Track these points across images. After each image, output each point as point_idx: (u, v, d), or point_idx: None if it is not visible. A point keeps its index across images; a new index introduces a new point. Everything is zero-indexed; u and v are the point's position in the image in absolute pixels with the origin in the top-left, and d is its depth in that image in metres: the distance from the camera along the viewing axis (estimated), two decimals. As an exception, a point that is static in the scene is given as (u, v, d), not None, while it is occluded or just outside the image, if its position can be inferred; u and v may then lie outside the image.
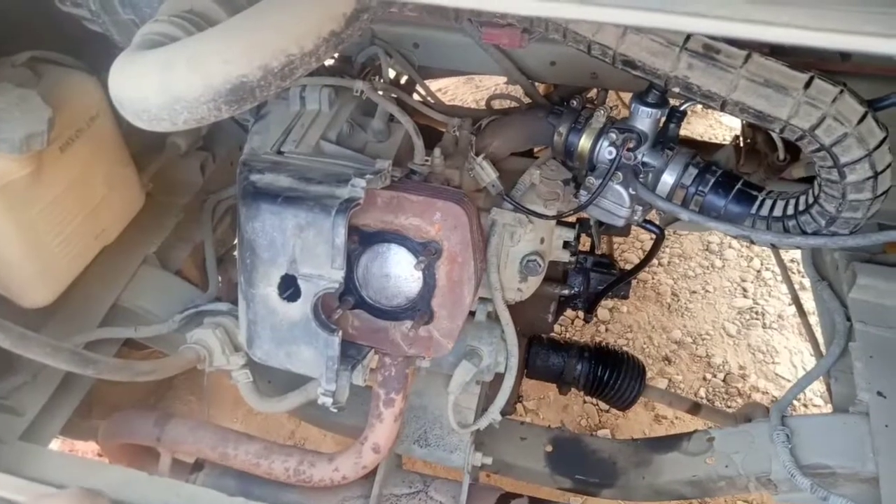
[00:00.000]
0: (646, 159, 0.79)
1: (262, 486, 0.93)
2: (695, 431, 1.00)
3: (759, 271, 2.04)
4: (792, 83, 0.59)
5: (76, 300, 0.89)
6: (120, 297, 0.95)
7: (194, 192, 1.09)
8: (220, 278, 1.05)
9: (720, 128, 2.51)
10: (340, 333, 0.73)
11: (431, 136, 0.93)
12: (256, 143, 0.84)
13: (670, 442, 1.03)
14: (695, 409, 1.29)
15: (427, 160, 0.85)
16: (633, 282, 1.79)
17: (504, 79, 1.05)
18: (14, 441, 0.80)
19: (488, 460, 0.99)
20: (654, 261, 2.07)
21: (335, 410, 0.78)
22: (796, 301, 1.25)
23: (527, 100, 1.07)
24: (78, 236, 0.79)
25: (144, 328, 0.92)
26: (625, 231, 1.13)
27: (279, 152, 0.79)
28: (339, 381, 0.75)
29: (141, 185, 0.92)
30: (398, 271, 0.80)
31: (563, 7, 0.40)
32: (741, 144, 1.14)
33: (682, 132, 0.83)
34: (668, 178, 0.78)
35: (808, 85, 0.58)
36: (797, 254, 1.72)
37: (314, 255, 0.69)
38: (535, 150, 1.02)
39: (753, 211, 0.72)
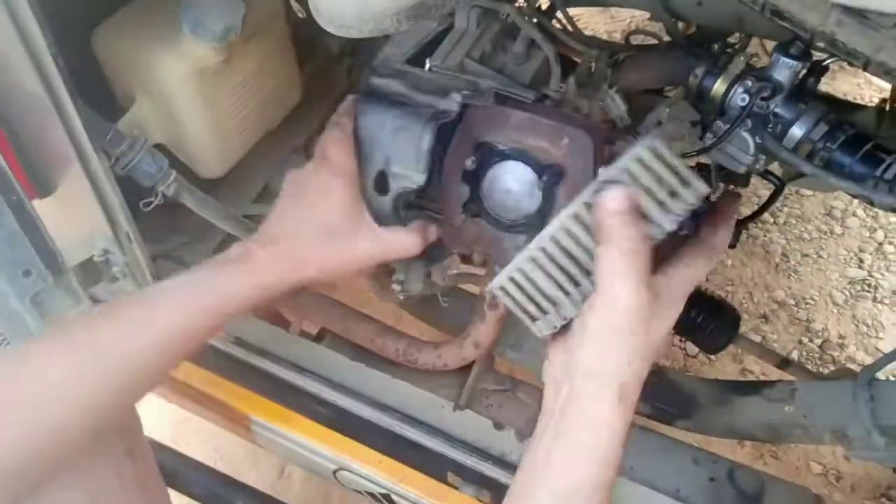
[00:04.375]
0: (778, 110, 0.80)
1: (373, 360, 1.06)
2: (779, 381, 1.04)
3: (880, 244, 1.95)
4: (943, 49, 0.60)
5: (237, 177, 1.02)
6: (271, 180, 1.08)
7: (340, 92, 1.19)
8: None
9: (868, 88, 2.35)
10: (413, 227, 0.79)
11: (566, 65, 0.97)
12: (390, 52, 0.91)
13: (752, 387, 1.07)
14: (783, 364, 1.31)
15: (562, 87, 0.90)
16: (743, 234, 1.77)
17: (640, 13, 1.06)
18: (182, 287, 0.96)
19: (575, 375, 1.07)
20: (770, 218, 2.03)
21: (402, 298, 0.86)
22: (913, 276, 1.23)
23: (666, 38, 1.08)
24: (249, 121, 0.92)
25: (290, 209, 1.05)
26: (744, 181, 1.14)
27: (412, 63, 0.85)
28: (409, 272, 0.84)
29: (299, 83, 1.03)
30: (520, 188, 0.87)
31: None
32: (886, 108, 1.10)
33: (826, 89, 0.83)
34: (796, 131, 0.79)
35: (959, 53, 0.59)
36: (926, 230, 1.65)
37: (405, 156, 0.74)
38: (666, 90, 1.04)
39: (878, 173, 0.73)
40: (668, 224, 0.55)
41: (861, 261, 1.93)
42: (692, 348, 1.79)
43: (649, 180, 0.56)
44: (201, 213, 0.84)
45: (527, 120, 0.84)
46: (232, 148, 0.93)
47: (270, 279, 0.65)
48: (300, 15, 1.08)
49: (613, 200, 0.53)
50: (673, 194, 0.56)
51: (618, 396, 0.51)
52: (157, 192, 0.80)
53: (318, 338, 1.09)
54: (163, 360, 0.62)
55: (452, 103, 0.74)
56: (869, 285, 1.87)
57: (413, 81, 0.77)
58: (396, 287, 0.86)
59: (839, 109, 0.88)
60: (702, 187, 0.56)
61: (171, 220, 0.97)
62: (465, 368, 1.02)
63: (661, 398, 1.13)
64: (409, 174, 0.75)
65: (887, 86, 1.16)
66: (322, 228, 0.67)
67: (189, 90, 0.82)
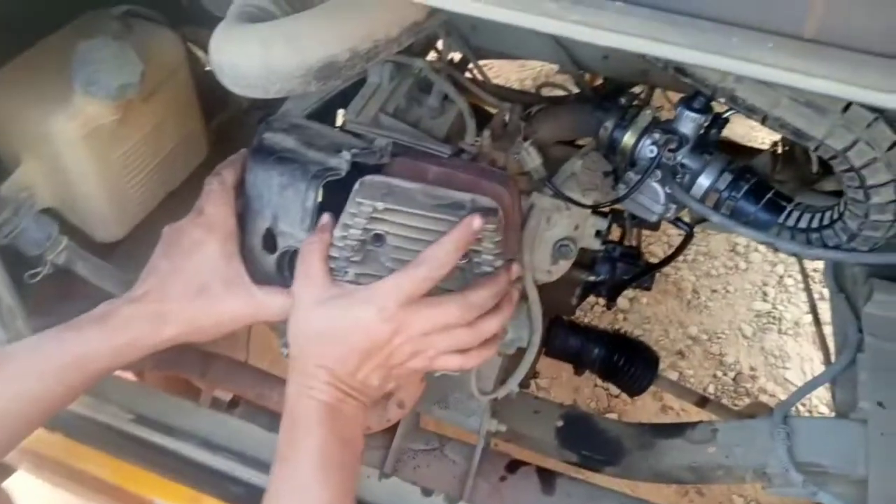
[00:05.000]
0: (685, 161, 0.83)
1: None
2: (700, 422, 1.06)
3: (781, 277, 2.06)
4: (831, 105, 0.63)
5: (137, 240, 0.96)
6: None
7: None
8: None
9: (761, 130, 2.51)
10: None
11: (480, 117, 0.98)
12: (290, 106, 0.89)
13: (675, 429, 1.08)
14: (702, 402, 1.34)
15: (477, 140, 0.90)
16: (657, 275, 1.84)
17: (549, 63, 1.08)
18: (77, 361, 0.88)
19: (502, 428, 1.05)
20: (680, 257, 2.11)
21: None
22: (814, 310, 1.29)
23: (575, 90, 1.11)
24: (149, 181, 0.86)
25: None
26: (655, 226, 1.17)
27: (314, 118, 0.82)
28: None
29: (206, 138, 0.98)
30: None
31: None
32: (779, 151, 1.17)
33: (724, 133, 0.87)
34: (703, 181, 0.82)
35: (846, 109, 0.62)
36: (820, 264, 1.75)
37: (291, 214, 0.72)
38: (580, 141, 1.06)
39: (781, 220, 0.76)
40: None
41: (765, 294, 2.03)
42: (615, 388, 1.81)
43: None
44: (97, 281, 0.78)
45: (444, 174, 0.83)
46: (131, 210, 0.87)
47: (128, 338, 0.64)
48: (207, 67, 1.04)
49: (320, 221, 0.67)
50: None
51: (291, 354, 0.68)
52: (46, 261, 0.73)
53: (232, 405, 1.03)
54: (16, 425, 0.61)
55: (342, 161, 0.72)
56: (774, 317, 1.97)
57: (306, 137, 0.74)
58: (284, 351, 0.81)
59: (738, 154, 0.92)
60: None
61: (64, 287, 0.89)
62: (390, 430, 0.99)
63: (589, 446, 1.12)
64: (295, 232, 0.72)
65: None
66: (190, 285, 0.66)
67: (81, 151, 0.76)
